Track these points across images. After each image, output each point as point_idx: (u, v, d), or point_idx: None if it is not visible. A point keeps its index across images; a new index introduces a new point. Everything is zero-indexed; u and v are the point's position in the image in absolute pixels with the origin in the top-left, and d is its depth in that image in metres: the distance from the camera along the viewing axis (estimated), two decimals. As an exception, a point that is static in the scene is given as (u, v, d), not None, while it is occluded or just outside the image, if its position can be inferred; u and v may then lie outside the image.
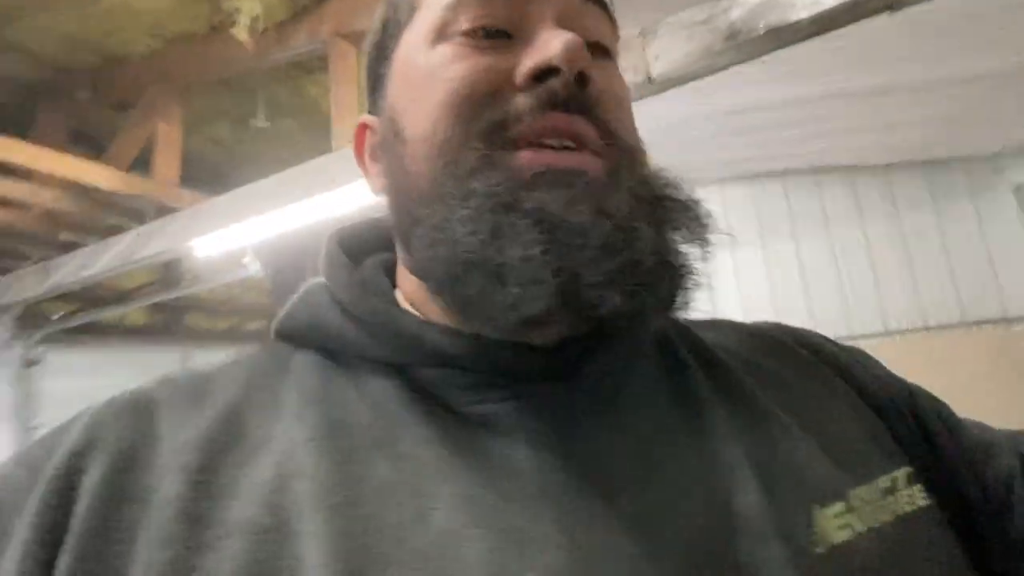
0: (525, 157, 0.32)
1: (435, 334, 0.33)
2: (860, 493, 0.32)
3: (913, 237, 3.46)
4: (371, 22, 0.42)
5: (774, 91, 2.61)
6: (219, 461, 0.29)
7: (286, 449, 0.30)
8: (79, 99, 2.38)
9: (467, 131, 0.32)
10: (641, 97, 1.63)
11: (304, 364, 0.35)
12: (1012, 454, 0.38)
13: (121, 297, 2.89)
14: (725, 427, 0.34)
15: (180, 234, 2.19)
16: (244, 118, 2.55)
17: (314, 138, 2.60)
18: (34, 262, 2.54)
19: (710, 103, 2.66)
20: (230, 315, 3.43)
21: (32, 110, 2.45)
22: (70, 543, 0.27)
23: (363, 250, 0.41)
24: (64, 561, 0.27)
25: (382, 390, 0.33)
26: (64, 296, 2.76)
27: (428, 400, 0.32)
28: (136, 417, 0.31)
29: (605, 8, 0.38)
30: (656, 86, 1.56)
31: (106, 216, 2.25)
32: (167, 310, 3.27)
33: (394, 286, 0.39)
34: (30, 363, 2.90)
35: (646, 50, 1.55)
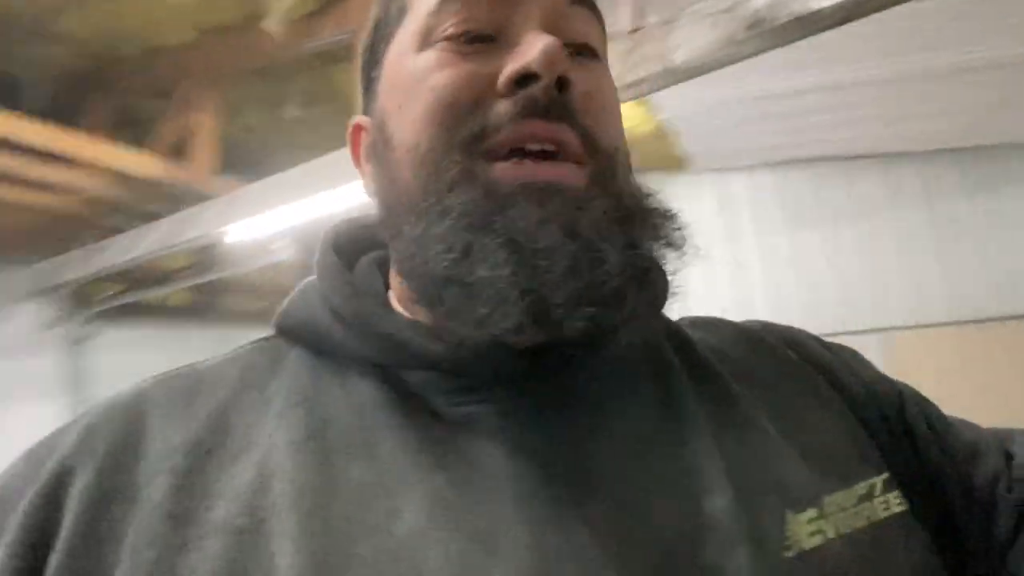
0: (502, 171, 0.32)
1: (418, 338, 0.33)
2: (836, 499, 0.32)
3: (949, 227, 3.34)
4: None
5: (804, 77, 2.55)
6: (204, 462, 0.30)
7: (268, 451, 0.30)
8: (122, 89, 2.48)
9: (448, 142, 0.33)
10: (662, 87, 1.63)
11: (296, 362, 0.36)
12: (998, 455, 0.38)
13: (163, 279, 3.02)
14: (704, 430, 0.34)
15: (215, 220, 2.29)
16: (277, 107, 2.63)
17: (344, 127, 2.65)
18: (82, 245, 2.68)
19: (738, 89, 2.62)
20: (264, 296, 3.55)
21: (79, 100, 2.57)
22: (60, 544, 0.28)
23: (359, 248, 0.41)
24: (55, 559, 0.28)
25: (366, 391, 0.33)
26: (110, 277, 2.91)
27: (410, 402, 0.33)
28: (129, 419, 0.32)
29: (592, 8, 0.38)
30: (677, 75, 1.55)
31: (147, 202, 2.36)
32: (206, 291, 3.40)
33: (389, 283, 0.39)
34: (79, 340, 3.06)
35: (668, 39, 1.54)
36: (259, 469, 0.30)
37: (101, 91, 2.53)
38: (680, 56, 1.52)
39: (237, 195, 2.30)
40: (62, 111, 2.38)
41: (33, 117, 1.99)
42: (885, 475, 0.35)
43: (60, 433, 0.33)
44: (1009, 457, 0.38)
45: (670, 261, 0.35)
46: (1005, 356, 2.83)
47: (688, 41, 1.53)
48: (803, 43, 1.45)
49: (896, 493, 0.34)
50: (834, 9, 1.32)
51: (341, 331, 0.35)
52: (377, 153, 0.38)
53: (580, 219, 0.31)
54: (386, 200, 0.37)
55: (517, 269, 0.29)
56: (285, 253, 2.60)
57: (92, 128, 2.40)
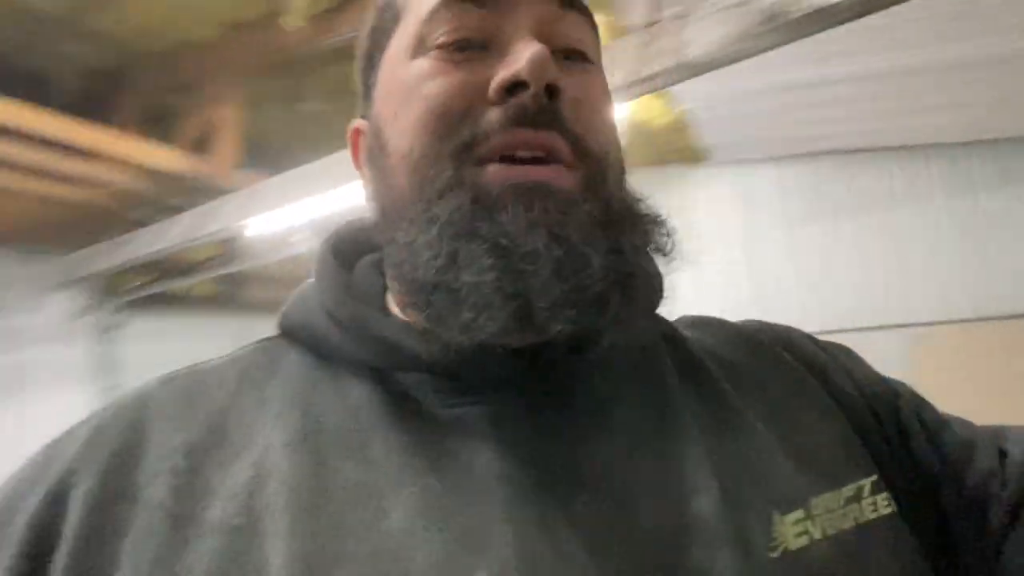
0: (493, 173, 0.32)
1: (411, 341, 0.33)
2: (823, 501, 0.33)
3: (978, 221, 3.26)
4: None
5: (835, 67, 2.51)
6: (203, 463, 0.31)
7: (264, 452, 0.31)
8: (147, 85, 2.55)
9: (440, 150, 0.33)
10: (677, 81, 1.63)
11: (294, 364, 0.37)
12: (992, 452, 0.38)
13: (187, 270, 3.09)
14: (695, 431, 0.34)
15: (236, 214, 2.34)
16: (297, 102, 2.67)
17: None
18: (110, 237, 2.76)
19: (760, 79, 2.59)
20: (285, 287, 3.61)
21: (107, 96, 2.64)
22: (64, 543, 0.29)
23: (359, 249, 0.41)
24: (60, 558, 0.29)
25: (361, 393, 0.34)
26: (137, 268, 2.99)
27: (404, 403, 0.33)
28: (132, 421, 0.33)
29: (583, 12, 0.38)
30: (692, 69, 1.55)
31: (172, 196, 2.42)
32: (229, 282, 3.48)
33: (388, 285, 0.39)
34: (108, 329, 3.15)
35: (683, 33, 1.53)
36: (255, 470, 0.30)
37: (128, 87, 2.60)
38: (695, 50, 1.51)
39: (258, 189, 2.34)
40: (91, 107, 2.45)
41: (63, 113, 2.05)
42: (874, 477, 0.35)
43: (69, 435, 0.34)
44: (1003, 455, 0.38)
45: (658, 266, 0.36)
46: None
47: (703, 35, 1.52)
48: (825, 33, 1.43)
49: (884, 495, 0.35)
50: (850, 3, 1.30)
51: (337, 334, 0.36)
52: (374, 158, 0.38)
53: (567, 223, 0.31)
54: (382, 205, 0.37)
55: (502, 274, 0.30)
56: (304, 245, 2.65)
57: (120, 124, 2.47)
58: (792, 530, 0.31)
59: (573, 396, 0.34)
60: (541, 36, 0.34)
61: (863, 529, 0.33)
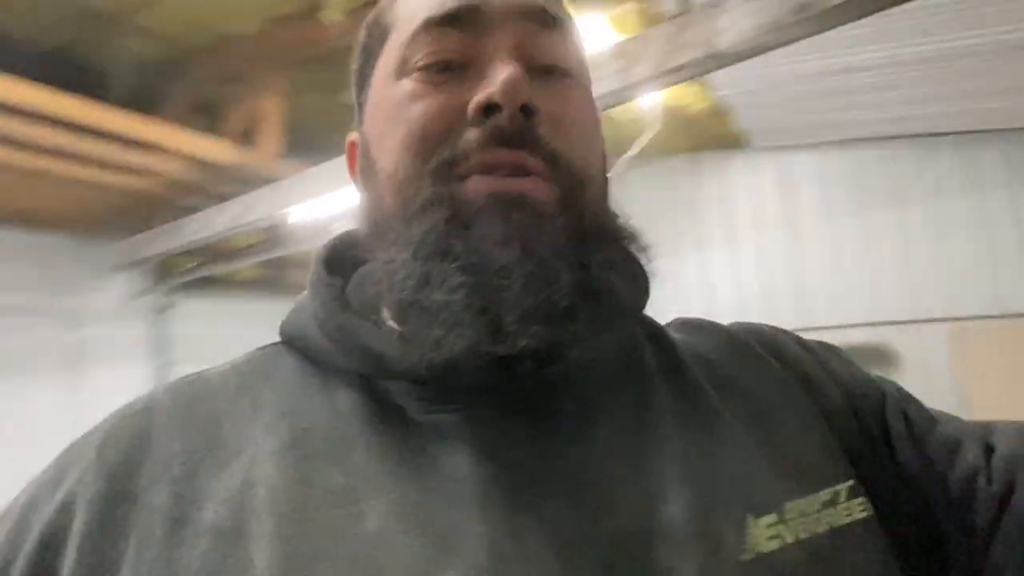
0: (473, 184, 0.34)
1: (394, 351, 0.34)
2: (797, 505, 0.33)
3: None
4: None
5: (877, 52, 2.44)
6: (199, 468, 0.33)
7: (254, 458, 0.33)
8: (195, 78, 2.66)
9: (421, 170, 0.34)
10: (706, 72, 1.62)
11: (288, 372, 0.38)
12: (978, 448, 0.38)
13: (234, 254, 3.23)
14: (673, 435, 0.35)
15: (279, 202, 2.43)
16: (338, 93, 2.74)
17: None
18: (163, 223, 2.91)
19: (806, 64, 2.53)
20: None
21: (159, 89, 2.76)
22: (72, 544, 0.30)
23: (356, 259, 0.41)
24: (68, 559, 0.30)
25: (348, 400, 0.35)
26: (189, 252, 3.14)
27: (388, 410, 0.34)
28: (137, 428, 0.35)
29: (563, 28, 0.38)
30: (721, 60, 1.54)
31: (219, 184, 2.54)
32: (273, 266, 3.61)
33: None
34: (162, 309, 3.32)
35: (713, 23, 1.53)
36: (245, 475, 0.32)
37: (177, 80, 2.72)
38: (725, 41, 1.51)
39: (300, 178, 2.43)
40: (143, 100, 2.58)
41: (119, 107, 2.17)
42: (850, 482, 0.35)
43: (82, 443, 0.35)
44: (990, 450, 0.38)
45: (627, 283, 0.36)
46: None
47: (734, 25, 1.51)
48: (867, 18, 1.41)
49: (860, 500, 0.35)
50: (884, -9, 1.28)
51: (326, 343, 0.37)
52: (364, 174, 0.40)
53: (539, 237, 0.32)
54: (370, 220, 0.39)
55: (471, 291, 0.31)
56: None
57: (170, 116, 2.59)
58: (765, 533, 0.31)
59: (551, 402, 0.35)
60: (519, 56, 0.35)
61: (837, 534, 0.33)
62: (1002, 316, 3.05)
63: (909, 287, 3.34)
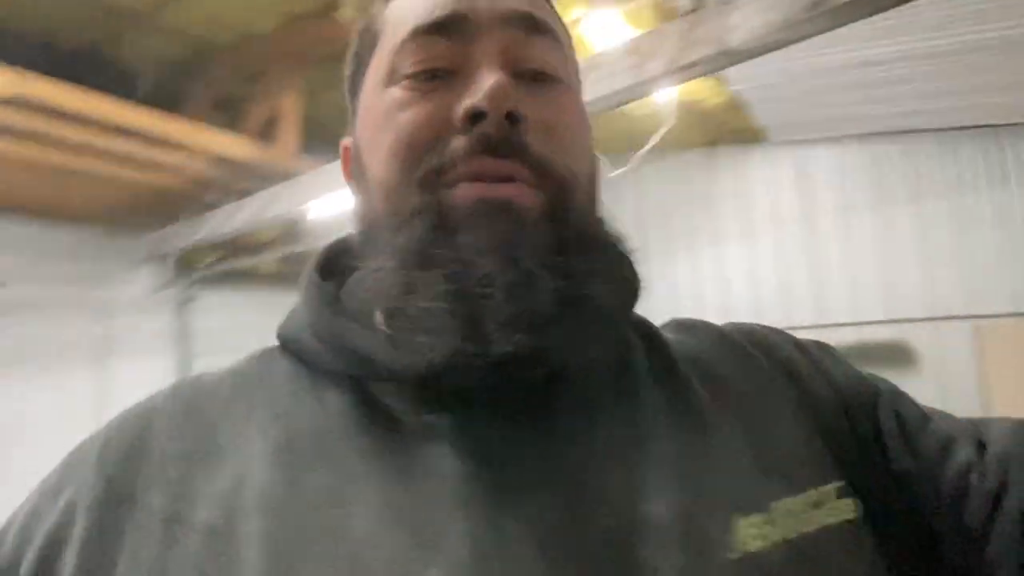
0: (461, 190, 0.34)
1: (383, 354, 0.34)
2: (784, 505, 0.33)
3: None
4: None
5: (899, 45, 2.41)
6: (193, 470, 0.33)
7: (246, 460, 0.33)
8: (217, 75, 2.72)
9: (410, 177, 0.35)
10: (717, 69, 1.63)
11: (282, 375, 0.38)
12: (970, 445, 0.38)
13: (255, 249, 3.29)
14: (661, 435, 0.35)
15: (298, 197, 2.48)
16: (354, 89, 2.78)
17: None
18: (186, 218, 2.98)
19: (823, 57, 2.51)
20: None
21: (182, 87, 2.83)
22: (72, 544, 0.32)
23: (351, 263, 0.41)
24: (69, 558, 0.31)
25: (338, 402, 0.35)
26: (210, 247, 3.21)
27: (376, 411, 0.35)
28: (137, 431, 0.36)
29: (551, 33, 0.38)
30: (733, 57, 1.54)
31: (240, 180, 2.59)
32: (293, 260, 3.67)
33: None
34: (184, 302, 3.40)
35: (726, 20, 1.53)
36: (236, 476, 0.33)
37: (199, 78, 2.77)
38: (737, 38, 1.51)
39: (318, 174, 2.48)
40: (167, 98, 2.64)
41: (144, 105, 2.23)
42: (839, 483, 0.35)
43: (85, 447, 0.36)
44: (983, 447, 0.38)
45: (610, 289, 0.36)
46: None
47: (746, 22, 1.51)
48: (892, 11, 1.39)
49: (848, 501, 0.35)
50: (897, -12, 1.27)
51: (318, 346, 0.37)
52: (357, 180, 0.40)
53: (523, 244, 0.33)
54: (363, 225, 0.39)
55: (454, 299, 0.32)
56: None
57: (192, 113, 2.65)
58: (751, 532, 0.32)
59: (539, 405, 0.35)
60: (506, 62, 0.35)
61: (824, 533, 0.33)
62: (1022, 314, 3.00)
63: (930, 283, 3.29)
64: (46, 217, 2.83)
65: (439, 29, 0.36)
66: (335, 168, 2.41)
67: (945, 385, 3.03)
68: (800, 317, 3.41)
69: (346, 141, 0.44)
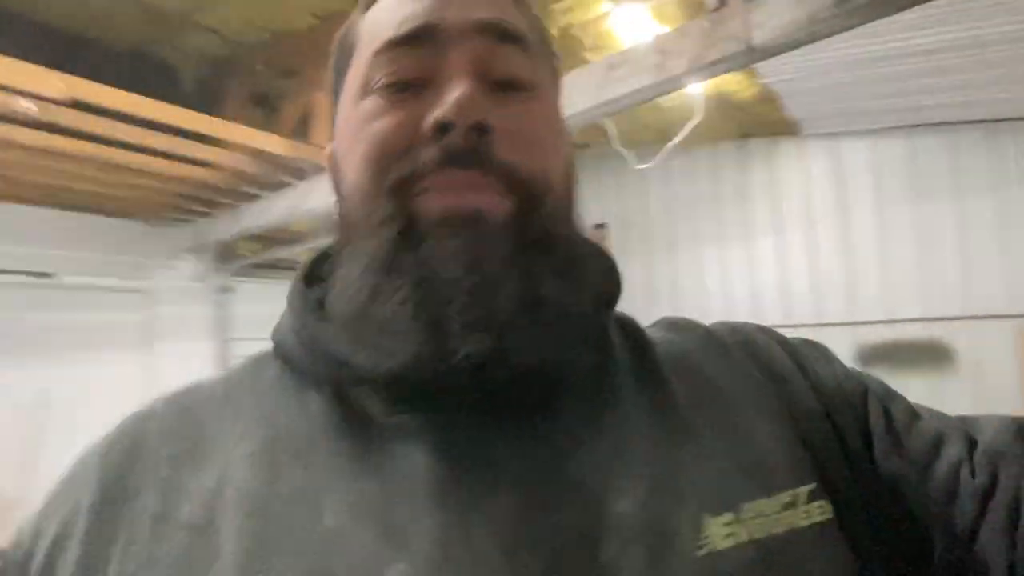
0: (430, 199, 0.35)
1: (358, 357, 0.35)
2: (756, 506, 0.34)
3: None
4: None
5: (941, 35, 2.34)
6: (182, 470, 0.35)
7: (230, 462, 0.35)
8: (254, 73, 2.81)
9: (380, 187, 0.36)
10: (742, 66, 1.63)
11: (269, 379, 0.40)
12: (961, 442, 0.38)
13: (291, 240, 3.39)
14: (636, 434, 0.36)
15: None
16: (386, 85, 2.83)
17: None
18: (225, 210, 3.09)
19: (858, 48, 2.46)
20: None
21: (221, 83, 2.93)
22: (73, 547, 0.33)
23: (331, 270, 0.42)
24: (71, 554, 0.33)
25: (318, 404, 0.37)
26: (249, 238, 3.32)
27: (353, 413, 0.36)
28: (135, 437, 0.38)
29: (520, 40, 0.39)
30: (757, 55, 1.54)
31: (277, 175, 2.68)
32: (327, 251, 3.78)
33: None
34: (225, 290, 3.53)
35: (750, 17, 1.53)
36: (220, 476, 0.34)
37: (236, 76, 2.87)
38: (761, 36, 1.51)
39: (350, 168, 2.54)
40: (207, 95, 2.74)
41: (185, 103, 2.33)
42: (812, 486, 0.36)
43: (92, 450, 0.38)
44: (973, 443, 0.38)
45: (577, 290, 0.37)
46: None
47: (771, 19, 1.50)
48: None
49: (820, 503, 0.35)
50: (925, -17, 1.26)
51: (302, 351, 0.39)
52: (336, 188, 0.42)
53: (488, 251, 0.34)
54: (340, 232, 0.40)
55: (418, 304, 0.33)
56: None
57: (231, 110, 2.74)
58: (721, 532, 0.32)
59: (508, 403, 0.35)
60: (476, 72, 0.36)
61: (794, 535, 0.34)
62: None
63: (970, 281, 3.20)
64: (97, 210, 2.98)
65: (410, 41, 0.37)
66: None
67: (984, 386, 2.96)
68: (831, 314, 3.36)
69: (329, 149, 0.45)
